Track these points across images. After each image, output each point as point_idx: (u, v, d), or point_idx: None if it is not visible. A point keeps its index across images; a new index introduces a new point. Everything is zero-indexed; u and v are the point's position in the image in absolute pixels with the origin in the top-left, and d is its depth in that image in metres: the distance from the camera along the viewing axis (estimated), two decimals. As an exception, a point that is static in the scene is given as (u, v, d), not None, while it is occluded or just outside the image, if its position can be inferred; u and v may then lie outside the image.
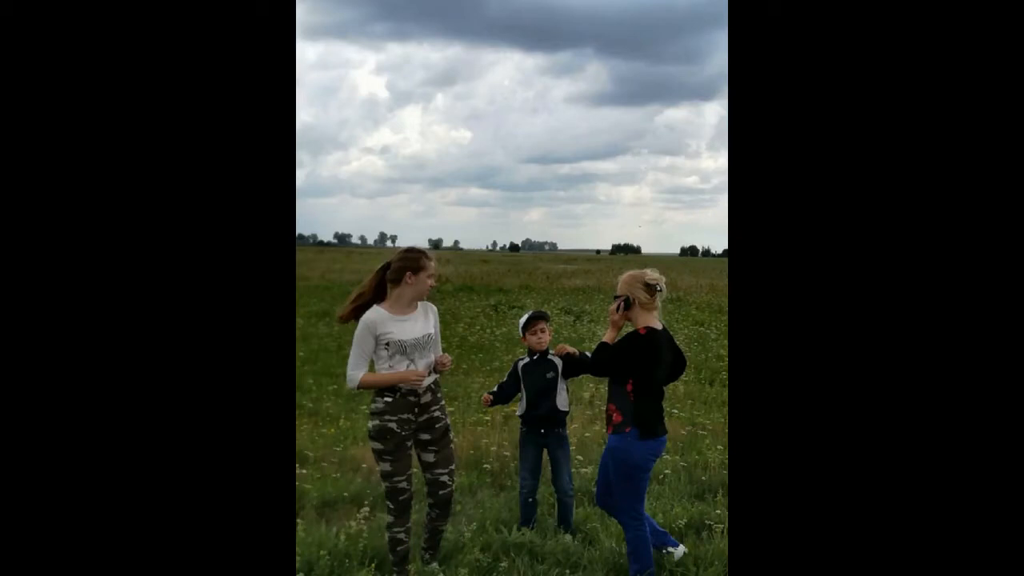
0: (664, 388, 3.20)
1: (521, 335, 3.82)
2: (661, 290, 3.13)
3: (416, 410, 3.10)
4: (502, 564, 3.24)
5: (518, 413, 3.84)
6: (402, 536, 3.14)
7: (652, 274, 3.13)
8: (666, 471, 4.51)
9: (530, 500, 3.74)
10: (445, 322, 11.07)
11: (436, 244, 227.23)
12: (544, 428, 3.72)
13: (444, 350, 3.32)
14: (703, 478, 4.43)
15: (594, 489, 3.49)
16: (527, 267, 36.88)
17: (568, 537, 3.49)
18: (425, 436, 3.17)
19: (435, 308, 3.28)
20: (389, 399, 3.05)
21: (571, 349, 3.67)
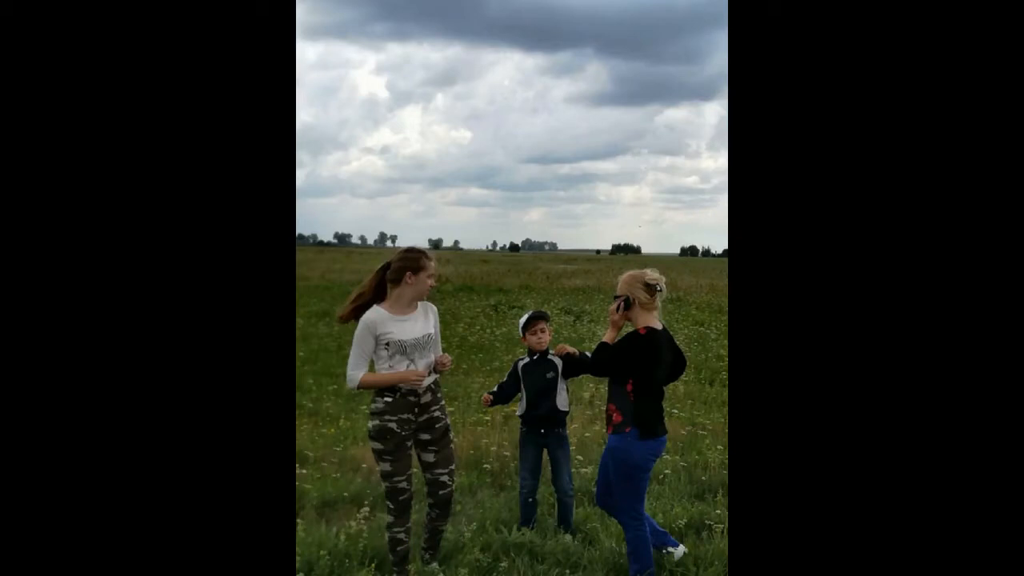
0: (664, 388, 3.21)
1: (521, 335, 3.82)
2: (661, 290, 3.13)
3: (416, 410, 3.10)
4: (502, 564, 3.24)
5: (518, 413, 3.84)
6: (402, 536, 3.14)
7: (652, 274, 3.13)
8: (666, 471, 4.51)
9: (530, 500, 3.74)
10: (445, 322, 11.07)
11: (436, 244, 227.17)
12: (544, 428, 3.72)
13: (444, 350, 3.32)
14: (703, 478, 4.43)
15: (594, 489, 3.49)
16: (527, 267, 36.87)
17: (568, 537, 3.49)
18: (425, 436, 3.17)
19: (435, 308, 3.28)
20: (389, 399, 3.05)
21: (571, 349, 3.67)
